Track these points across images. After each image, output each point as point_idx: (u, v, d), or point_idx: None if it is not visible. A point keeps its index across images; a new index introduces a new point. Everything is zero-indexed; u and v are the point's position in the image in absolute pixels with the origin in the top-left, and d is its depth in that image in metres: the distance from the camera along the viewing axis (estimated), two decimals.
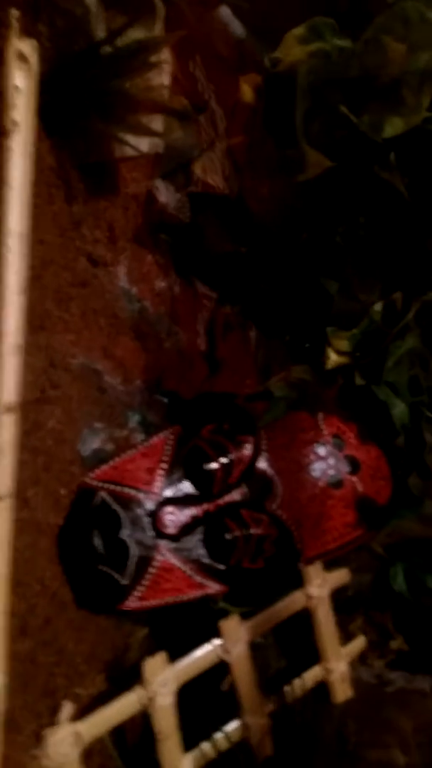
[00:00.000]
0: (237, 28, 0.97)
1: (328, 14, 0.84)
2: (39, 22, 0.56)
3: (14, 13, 0.53)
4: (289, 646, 0.83)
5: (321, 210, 0.85)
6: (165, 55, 0.69)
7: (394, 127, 0.74)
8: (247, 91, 0.83)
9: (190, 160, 0.84)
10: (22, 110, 0.53)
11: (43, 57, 0.55)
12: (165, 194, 0.82)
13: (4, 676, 0.55)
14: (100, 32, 0.56)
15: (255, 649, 0.77)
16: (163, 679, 0.67)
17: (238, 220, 0.89)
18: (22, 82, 0.54)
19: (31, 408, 0.63)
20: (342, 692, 0.80)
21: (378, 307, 0.84)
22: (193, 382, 0.87)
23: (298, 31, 0.78)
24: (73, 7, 0.54)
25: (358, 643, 0.83)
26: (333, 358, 0.84)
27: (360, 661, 0.85)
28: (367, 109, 0.75)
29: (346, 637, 0.84)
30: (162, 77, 0.66)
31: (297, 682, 0.78)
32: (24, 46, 0.54)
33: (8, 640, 0.55)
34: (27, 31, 0.55)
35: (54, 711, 0.64)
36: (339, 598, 0.82)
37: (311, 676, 0.79)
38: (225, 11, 0.94)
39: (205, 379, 0.89)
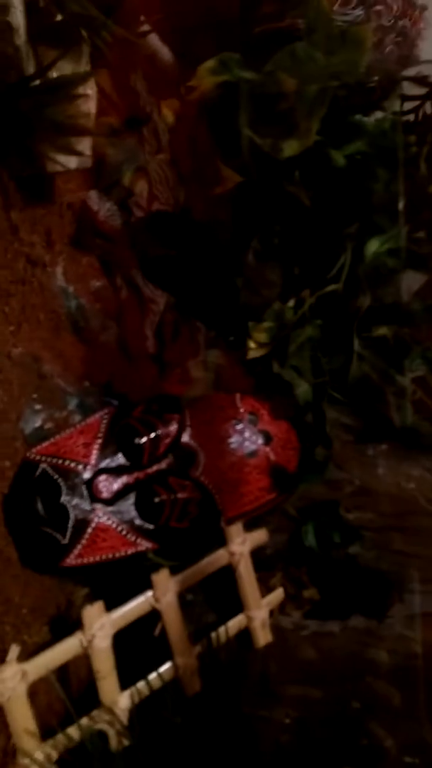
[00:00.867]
0: (165, 53, 1.09)
1: (237, 48, 0.97)
2: None
3: None
4: (216, 602, 0.94)
5: (241, 218, 0.97)
6: (91, 86, 0.80)
7: (291, 148, 0.87)
8: (168, 114, 0.95)
9: (122, 173, 0.95)
10: None
11: None
12: (98, 203, 0.93)
13: None
14: (30, 68, 0.67)
15: (185, 605, 0.88)
16: (101, 624, 0.77)
17: (167, 227, 1.00)
18: None
19: None
20: (263, 637, 0.91)
21: (291, 303, 0.96)
22: (141, 384, 0.97)
23: (210, 63, 0.90)
24: (4, 48, 0.65)
25: (277, 594, 0.95)
26: (253, 349, 0.96)
27: (279, 611, 0.96)
28: (268, 133, 0.88)
29: (266, 590, 0.95)
30: (88, 105, 0.76)
31: (222, 629, 0.89)
32: None
33: None
34: None
35: (3, 654, 0.73)
36: (259, 556, 0.94)
37: (235, 623, 0.90)
38: (153, 38, 1.06)
39: (154, 381, 0.99)
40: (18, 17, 0.64)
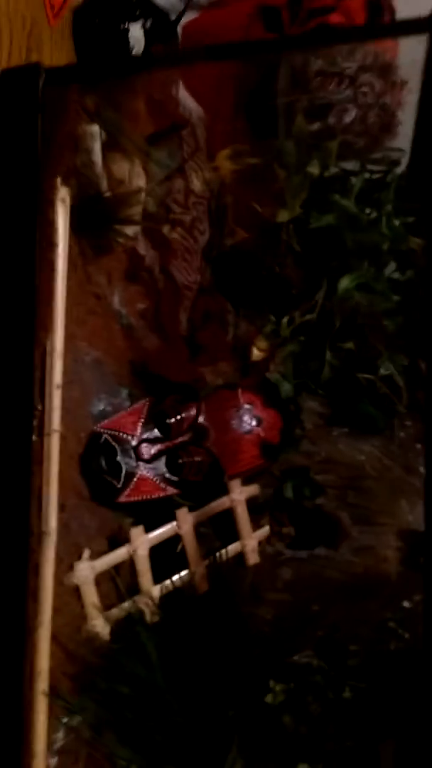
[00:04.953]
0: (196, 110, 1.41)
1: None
2: (71, 179, 1.03)
3: (59, 179, 1.00)
4: (221, 534, 1.33)
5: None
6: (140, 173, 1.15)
7: (282, 216, 1.21)
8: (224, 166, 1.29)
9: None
10: (62, 231, 1.01)
11: (72, 197, 1.03)
12: (144, 248, 1.29)
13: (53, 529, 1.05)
14: (104, 184, 1.03)
15: (199, 536, 1.27)
16: (141, 541, 1.18)
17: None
18: (61, 215, 1.01)
19: (65, 387, 1.11)
20: (253, 559, 1.30)
21: (285, 320, 1.32)
22: (175, 365, 1.33)
23: (226, 152, 1.24)
24: (89, 173, 1.01)
25: (264, 530, 1.33)
26: (255, 354, 1.33)
27: (266, 543, 1.35)
28: (269, 205, 1.22)
29: (257, 527, 1.33)
30: (138, 183, 1.12)
31: (224, 551, 1.28)
32: (64, 193, 1.01)
33: (56, 509, 1.05)
34: (65, 183, 1.02)
35: (80, 556, 1.14)
36: (253, 503, 1.32)
37: (233, 548, 1.28)
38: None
39: (186, 362, 1.34)
40: (97, 154, 1.01)
